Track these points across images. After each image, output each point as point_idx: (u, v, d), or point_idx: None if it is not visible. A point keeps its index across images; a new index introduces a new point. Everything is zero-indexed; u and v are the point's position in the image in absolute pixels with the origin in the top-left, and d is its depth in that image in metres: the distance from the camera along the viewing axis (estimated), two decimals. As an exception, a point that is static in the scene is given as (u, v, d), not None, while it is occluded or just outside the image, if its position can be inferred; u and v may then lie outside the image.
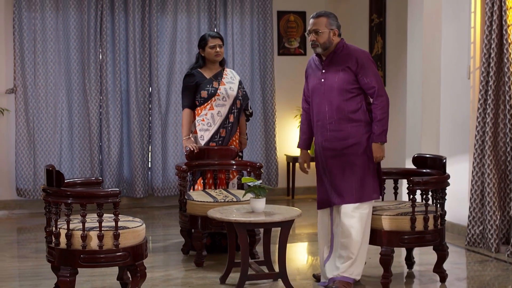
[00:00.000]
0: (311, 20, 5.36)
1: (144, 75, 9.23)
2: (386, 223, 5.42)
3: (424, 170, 5.85)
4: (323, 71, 5.39)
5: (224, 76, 6.78)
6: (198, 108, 6.71)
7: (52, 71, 8.96)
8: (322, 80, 5.37)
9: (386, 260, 5.44)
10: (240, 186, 6.79)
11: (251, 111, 7.07)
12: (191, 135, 6.70)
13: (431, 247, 5.71)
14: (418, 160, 5.97)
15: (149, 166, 9.41)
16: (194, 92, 6.70)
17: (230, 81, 6.79)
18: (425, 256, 6.43)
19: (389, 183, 6.18)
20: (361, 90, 5.35)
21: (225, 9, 9.54)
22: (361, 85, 5.32)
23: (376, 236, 5.47)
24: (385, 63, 8.72)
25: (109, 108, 9.11)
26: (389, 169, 6.10)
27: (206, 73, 6.76)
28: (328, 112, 5.37)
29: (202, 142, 6.69)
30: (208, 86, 6.68)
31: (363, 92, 5.37)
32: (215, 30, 9.43)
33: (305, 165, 5.74)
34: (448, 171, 5.94)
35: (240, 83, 6.87)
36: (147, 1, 9.20)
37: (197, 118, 6.71)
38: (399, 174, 6.05)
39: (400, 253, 6.27)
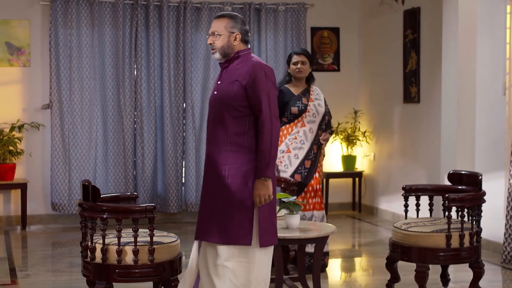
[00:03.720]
0: (212, 22, 4.67)
1: (178, 91, 9.28)
2: (421, 240, 5.38)
3: (460, 187, 5.80)
4: (219, 82, 4.65)
5: (311, 92, 6.64)
6: (288, 125, 6.60)
7: (87, 87, 9.05)
8: (215, 92, 4.63)
9: (421, 277, 5.39)
10: None
11: (332, 129, 6.88)
12: (283, 154, 6.57)
13: (467, 264, 5.65)
14: (454, 176, 5.93)
15: (183, 181, 9.45)
16: (281, 108, 6.55)
17: (318, 98, 6.65)
18: (460, 273, 6.38)
19: (424, 200, 6.14)
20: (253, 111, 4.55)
21: (259, 25, 9.58)
22: (249, 103, 4.50)
23: (410, 253, 5.42)
24: (419, 79, 8.68)
25: (143, 123, 9.17)
26: (424, 186, 6.06)
27: (294, 89, 6.63)
28: (213, 129, 4.62)
29: (297, 161, 6.54)
30: (297, 102, 6.54)
31: (255, 115, 4.54)
32: (249, 46, 9.46)
33: None
34: (483, 187, 5.88)
35: (325, 100, 6.73)
36: (181, 18, 9.27)
37: (288, 136, 6.58)
38: (434, 190, 6.00)
39: (435, 270, 6.21)
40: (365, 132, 9.94)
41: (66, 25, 8.98)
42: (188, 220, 9.44)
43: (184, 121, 9.38)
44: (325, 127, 6.66)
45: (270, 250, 4.62)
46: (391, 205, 9.32)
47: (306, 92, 6.62)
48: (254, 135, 4.51)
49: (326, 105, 6.71)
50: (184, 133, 9.38)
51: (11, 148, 8.75)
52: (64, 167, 9.00)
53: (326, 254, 6.62)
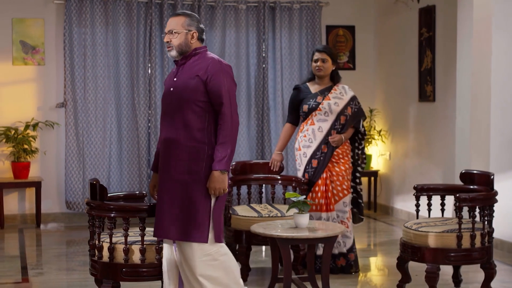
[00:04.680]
0: (169, 20, 4.70)
1: (193, 90, 9.25)
2: (432, 240, 5.32)
3: (472, 187, 5.73)
4: (175, 79, 4.67)
5: (332, 91, 6.46)
6: (301, 124, 6.52)
7: (101, 86, 9.05)
8: (172, 89, 4.65)
9: (431, 278, 5.33)
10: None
11: (362, 130, 6.56)
12: (297, 152, 6.51)
13: (479, 265, 5.58)
14: (466, 176, 5.86)
15: (197, 180, 9.40)
16: (298, 107, 6.51)
17: (338, 97, 6.43)
18: (473, 274, 6.30)
19: (435, 200, 6.08)
20: (212, 107, 4.58)
21: (274, 23, 9.54)
22: (209, 98, 4.56)
23: (421, 253, 5.37)
24: (434, 78, 8.60)
25: (157, 122, 9.16)
26: (435, 185, 6.00)
27: (314, 87, 6.50)
28: (171, 125, 4.61)
29: (305, 160, 6.43)
30: (310, 100, 6.42)
31: (214, 111, 4.59)
32: (264, 45, 9.43)
33: (154, 190, 4.91)
34: (498, 187, 5.81)
35: (352, 99, 6.47)
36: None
37: (300, 134, 6.50)
38: (446, 190, 5.93)
39: (448, 271, 6.14)
40: (380, 131, 9.88)
41: (81, 23, 8.99)
42: (203, 219, 9.39)
43: (198, 120, 9.34)
44: (341, 128, 6.42)
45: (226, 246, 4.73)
46: (407, 204, 9.25)
47: (327, 90, 6.47)
48: (214, 131, 4.57)
49: (352, 105, 6.46)
50: (198, 132, 9.34)
51: (25, 146, 8.78)
52: (78, 166, 9.01)
53: (341, 255, 6.46)
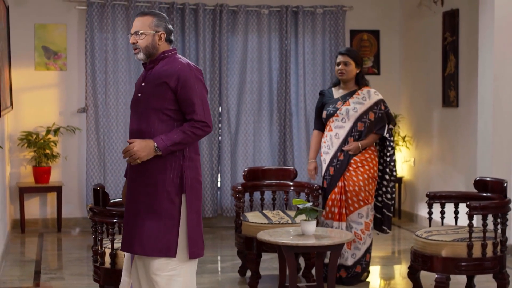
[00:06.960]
0: (135, 20, 4.40)
1: (214, 95, 9.22)
2: (442, 249, 5.21)
3: (485, 194, 5.60)
4: (143, 83, 4.39)
5: (355, 96, 6.29)
6: (325, 129, 6.40)
7: (122, 91, 9.04)
8: (139, 94, 4.38)
9: (440, 288, 5.23)
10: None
11: (387, 136, 6.35)
12: (321, 158, 6.40)
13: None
14: (480, 183, 5.73)
15: (219, 186, 9.38)
16: (320, 112, 6.42)
17: (359, 102, 6.26)
18: (489, 284, 6.14)
19: (449, 207, 5.95)
20: (182, 115, 4.32)
21: (296, 28, 9.46)
22: (180, 107, 4.29)
23: (431, 262, 5.25)
24: (458, 83, 8.45)
25: (178, 127, 9.12)
26: (448, 193, 5.88)
27: (338, 92, 6.36)
28: (138, 134, 4.34)
29: (324, 166, 6.32)
30: (330, 106, 6.29)
31: (183, 119, 4.31)
32: (286, 50, 9.35)
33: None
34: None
35: (377, 104, 6.28)
36: (217, 21, 9.21)
37: (322, 139, 6.40)
38: (458, 198, 5.81)
39: (462, 281, 6.01)
40: (404, 137, 9.73)
41: (102, 29, 9.00)
42: (224, 225, 9.35)
43: (220, 125, 9.30)
44: (359, 135, 6.24)
45: (196, 262, 4.45)
46: (431, 211, 9.08)
47: (349, 95, 6.31)
48: None
49: (375, 110, 6.27)
50: (219, 137, 9.31)
51: (47, 151, 8.80)
52: (99, 171, 9.01)
53: (341, 267, 6.21)
